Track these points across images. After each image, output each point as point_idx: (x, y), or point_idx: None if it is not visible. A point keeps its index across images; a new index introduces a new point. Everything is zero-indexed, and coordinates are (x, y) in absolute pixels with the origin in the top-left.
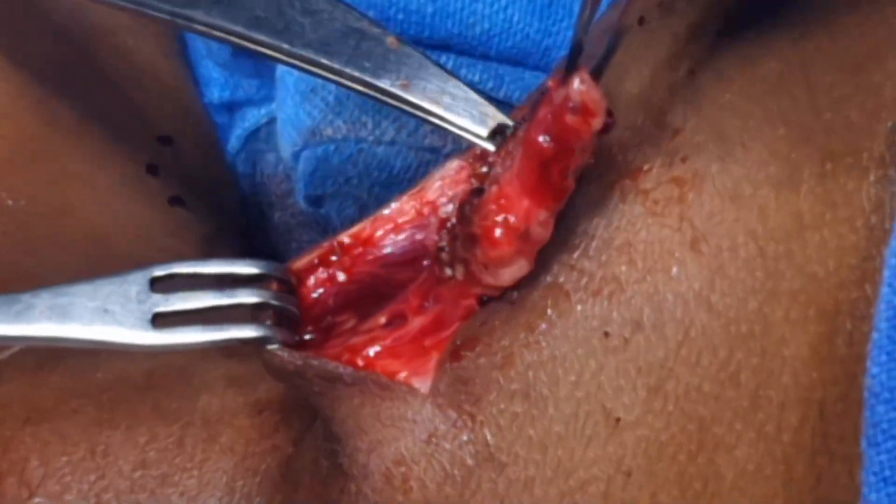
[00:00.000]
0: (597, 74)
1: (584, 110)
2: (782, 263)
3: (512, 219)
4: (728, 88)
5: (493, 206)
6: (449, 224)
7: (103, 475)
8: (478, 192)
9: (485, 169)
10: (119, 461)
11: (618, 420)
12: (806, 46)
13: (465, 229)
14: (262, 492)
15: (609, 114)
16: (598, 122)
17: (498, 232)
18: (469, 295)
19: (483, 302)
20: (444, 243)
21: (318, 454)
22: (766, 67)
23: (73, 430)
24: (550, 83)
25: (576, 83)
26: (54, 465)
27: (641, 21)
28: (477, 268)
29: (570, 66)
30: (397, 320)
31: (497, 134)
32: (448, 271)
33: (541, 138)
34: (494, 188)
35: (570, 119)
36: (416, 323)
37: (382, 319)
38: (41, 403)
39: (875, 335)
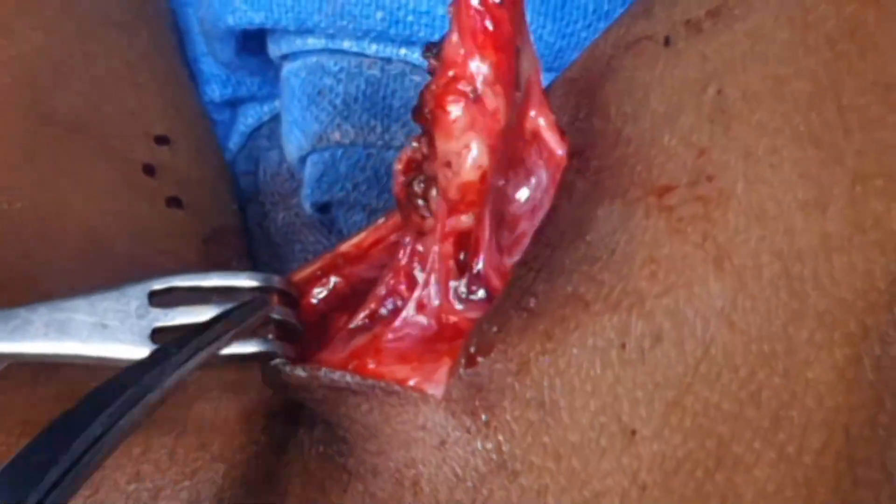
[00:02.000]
0: None
1: None
2: (808, 285)
3: (459, 79)
4: (757, 108)
5: (440, 75)
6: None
7: (97, 489)
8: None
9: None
10: (115, 474)
11: (633, 432)
12: (837, 66)
13: (420, 120)
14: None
15: None
16: None
17: (450, 99)
18: (447, 236)
19: (461, 264)
20: (414, 182)
21: (308, 460)
22: (797, 87)
23: None
24: None
25: None
26: None
27: (667, 41)
28: (442, 174)
29: None
30: (391, 300)
31: None
32: (421, 203)
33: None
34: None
35: None
36: (412, 302)
37: (373, 305)
38: (36, 416)
39: None
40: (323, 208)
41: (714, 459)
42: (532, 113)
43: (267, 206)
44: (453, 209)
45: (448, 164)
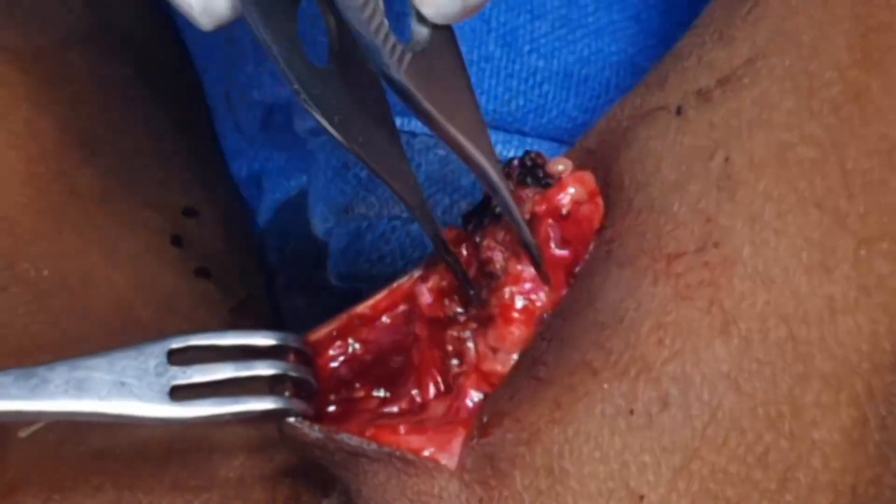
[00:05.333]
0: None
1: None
2: (814, 347)
3: (535, 298)
4: (763, 175)
5: (513, 288)
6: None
7: None
8: (487, 275)
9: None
10: None
11: (642, 498)
12: (841, 131)
13: (481, 310)
14: None
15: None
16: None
17: (517, 313)
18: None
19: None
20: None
21: None
22: (801, 153)
23: None
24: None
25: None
26: None
27: (679, 111)
28: (483, 346)
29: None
30: (417, 407)
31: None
32: (467, 337)
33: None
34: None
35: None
36: (438, 409)
37: (403, 405)
38: (62, 482)
39: None
40: (348, 279)
41: None
42: None
43: (294, 281)
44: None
45: (493, 350)
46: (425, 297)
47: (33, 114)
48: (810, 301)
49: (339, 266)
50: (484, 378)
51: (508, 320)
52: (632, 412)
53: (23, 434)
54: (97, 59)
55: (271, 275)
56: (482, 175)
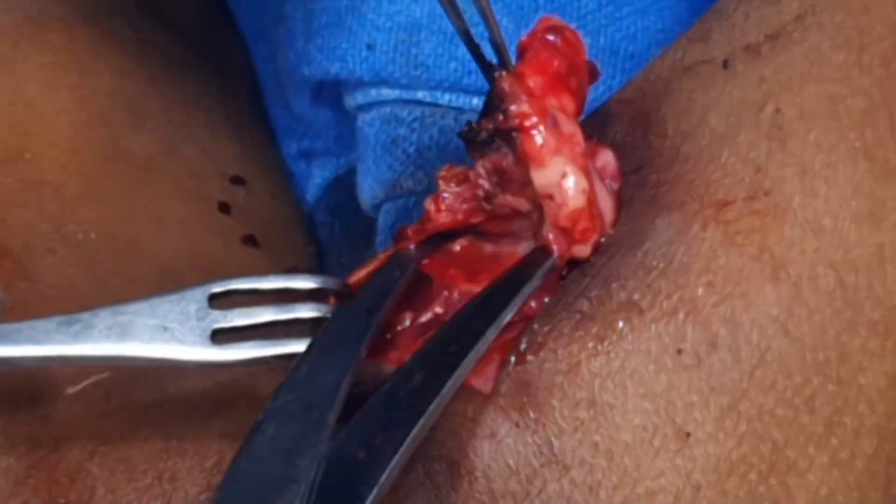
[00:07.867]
0: None
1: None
2: (861, 294)
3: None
4: (813, 126)
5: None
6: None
7: (169, 500)
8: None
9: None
10: (186, 485)
11: (688, 435)
12: (891, 84)
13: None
14: None
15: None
16: None
17: (532, 122)
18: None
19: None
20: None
21: None
22: (851, 105)
23: (140, 458)
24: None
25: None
26: (121, 492)
27: (726, 64)
28: (547, 206)
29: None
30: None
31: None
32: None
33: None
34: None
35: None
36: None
37: (439, 309)
38: (109, 435)
39: None
40: None
41: (768, 463)
42: None
43: (343, 257)
44: (569, 240)
45: (550, 197)
46: (484, 181)
47: (82, 80)
48: (859, 249)
49: (387, 241)
50: (570, 227)
51: (526, 130)
52: (680, 352)
53: (71, 390)
54: (147, 31)
55: (322, 253)
56: None
